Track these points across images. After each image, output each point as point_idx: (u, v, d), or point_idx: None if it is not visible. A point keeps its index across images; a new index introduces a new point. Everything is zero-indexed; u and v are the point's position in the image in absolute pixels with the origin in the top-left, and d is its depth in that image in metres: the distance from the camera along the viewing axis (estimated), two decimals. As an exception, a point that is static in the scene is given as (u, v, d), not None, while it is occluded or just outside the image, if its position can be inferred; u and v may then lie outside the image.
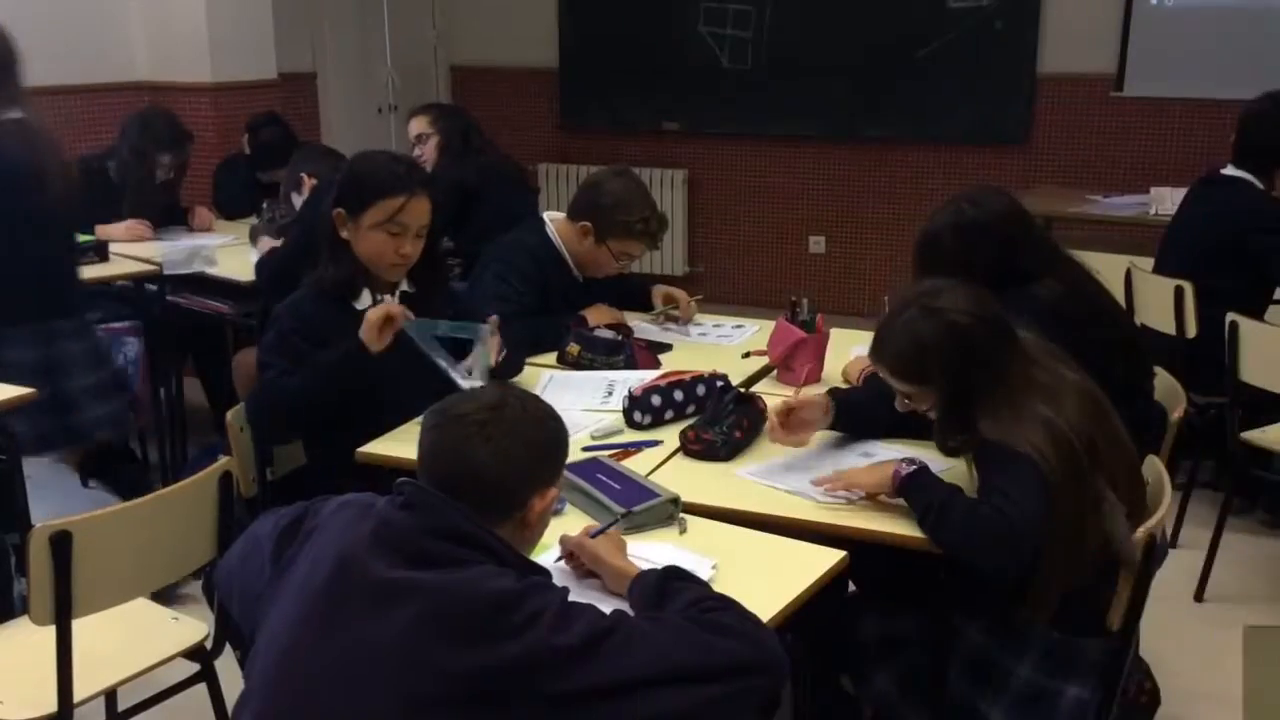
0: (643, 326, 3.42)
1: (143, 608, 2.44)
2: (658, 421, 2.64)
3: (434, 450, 1.64)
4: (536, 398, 1.75)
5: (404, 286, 2.77)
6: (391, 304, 2.63)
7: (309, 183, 4.00)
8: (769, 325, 3.10)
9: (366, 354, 2.55)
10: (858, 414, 2.48)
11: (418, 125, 4.57)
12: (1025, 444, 2.04)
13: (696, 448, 2.46)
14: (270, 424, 2.63)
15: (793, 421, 2.40)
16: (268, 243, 4.11)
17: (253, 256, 4.10)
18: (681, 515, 2.15)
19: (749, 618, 1.65)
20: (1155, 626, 3.01)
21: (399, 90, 6.75)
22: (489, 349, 2.66)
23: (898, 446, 2.44)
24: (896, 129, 6.33)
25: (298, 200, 4.09)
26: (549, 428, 1.70)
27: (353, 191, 2.66)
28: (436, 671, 1.46)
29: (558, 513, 2.10)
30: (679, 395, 2.66)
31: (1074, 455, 2.04)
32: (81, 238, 4.07)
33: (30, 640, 2.24)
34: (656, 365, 3.05)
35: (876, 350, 2.22)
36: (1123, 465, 2.14)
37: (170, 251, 4.26)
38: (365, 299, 2.71)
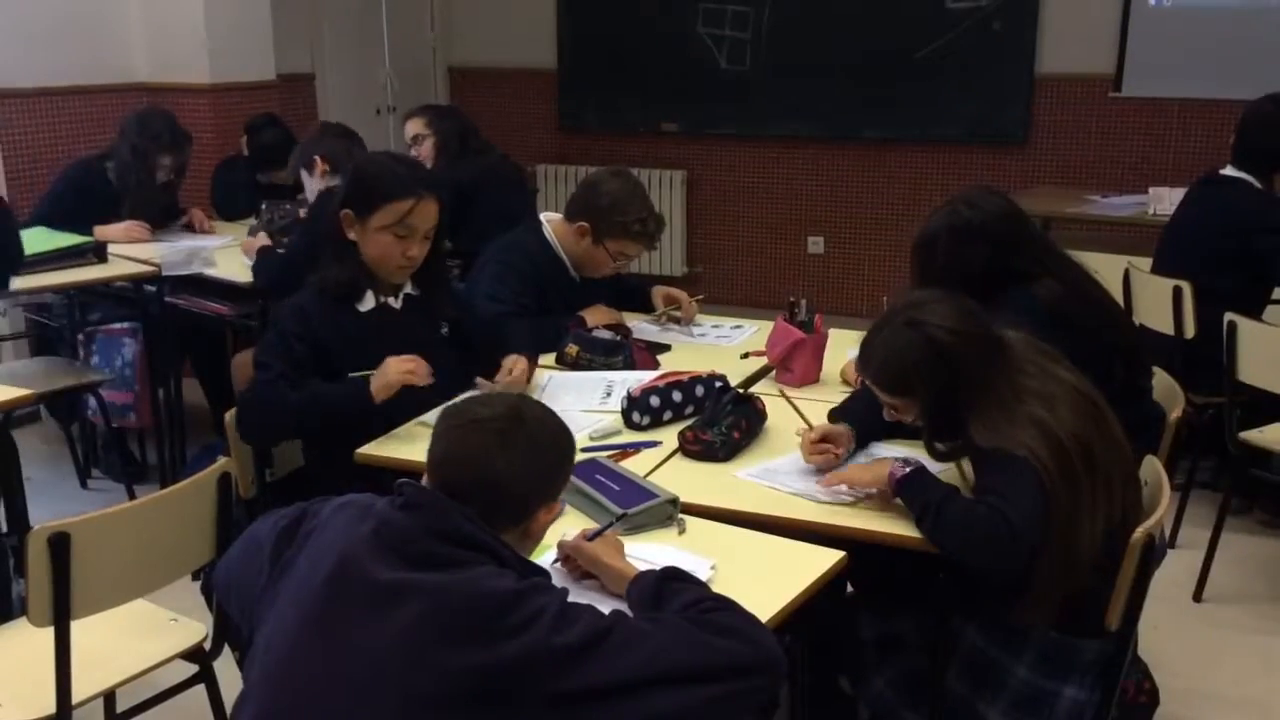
0: (641, 327, 3.42)
1: (141, 609, 2.44)
2: (656, 422, 2.64)
3: (449, 454, 1.64)
4: (549, 409, 1.75)
5: (407, 288, 2.77)
6: (419, 371, 2.57)
7: (321, 165, 3.98)
8: (768, 326, 3.11)
9: (369, 399, 2.54)
10: (858, 425, 2.47)
11: (414, 127, 4.57)
12: (1020, 447, 2.05)
13: (695, 448, 2.46)
14: (258, 429, 2.63)
15: (822, 447, 2.39)
16: (254, 242, 4.10)
17: (245, 260, 4.09)
18: (680, 516, 2.15)
19: (748, 618, 1.65)
20: (1154, 626, 3.03)
21: (397, 91, 6.75)
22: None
23: (899, 446, 2.44)
24: (895, 130, 6.33)
25: (307, 179, 4.06)
26: (563, 442, 1.72)
27: (361, 193, 2.65)
28: (437, 672, 1.46)
29: (558, 516, 2.10)
30: (677, 396, 2.66)
31: (1068, 457, 2.05)
32: (80, 239, 4.08)
33: (29, 642, 2.24)
34: (655, 366, 3.05)
35: (862, 362, 2.25)
36: (1119, 466, 2.14)
37: (169, 252, 4.26)
38: (369, 300, 2.71)
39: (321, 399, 2.58)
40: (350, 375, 2.58)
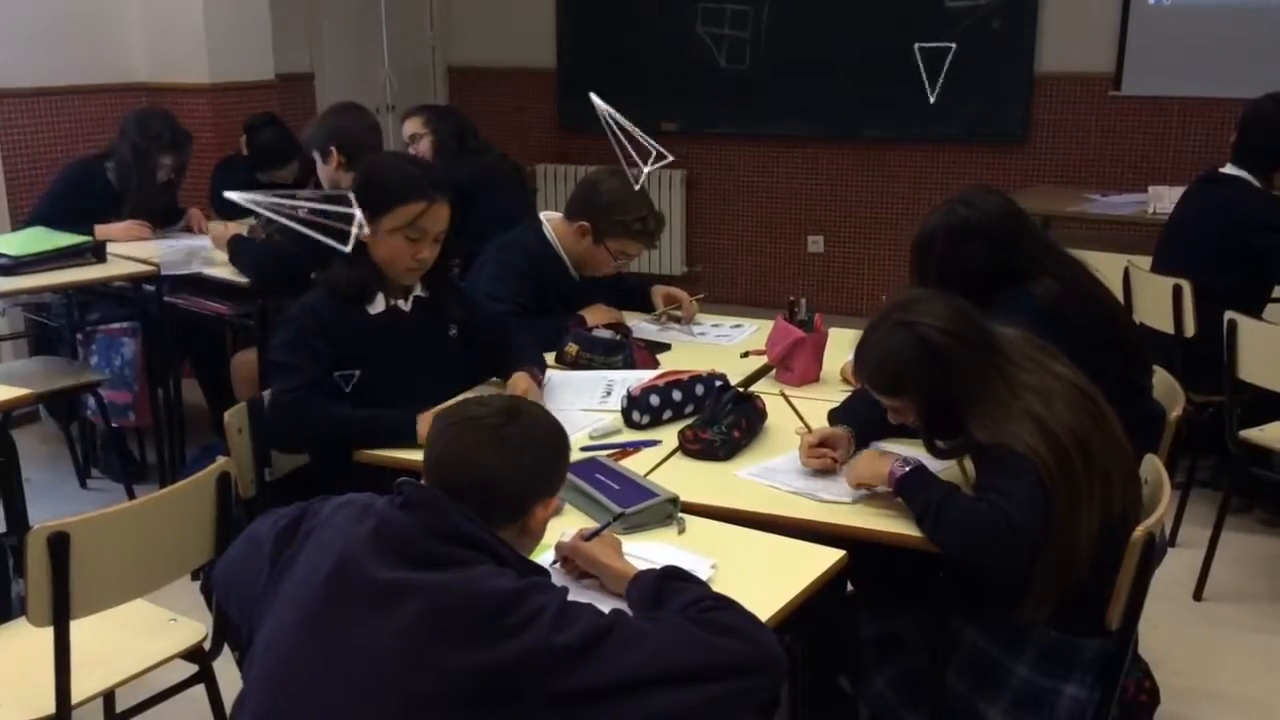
0: (641, 326, 3.42)
1: (141, 609, 2.44)
2: (656, 421, 2.64)
3: (444, 453, 1.65)
4: (545, 409, 1.77)
5: (417, 290, 2.77)
6: None
7: (337, 156, 3.96)
8: (767, 325, 3.11)
9: (414, 436, 2.48)
10: (857, 425, 2.47)
11: (412, 126, 4.56)
12: (1020, 443, 2.05)
13: (695, 447, 2.46)
14: (298, 437, 2.62)
15: (820, 451, 2.38)
16: (223, 232, 4.07)
17: (217, 250, 4.08)
18: (680, 515, 2.15)
19: (748, 617, 1.65)
20: (1154, 625, 3.02)
21: (397, 91, 6.74)
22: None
23: (901, 445, 2.44)
24: (895, 129, 6.33)
25: (321, 165, 4.03)
26: (558, 440, 1.73)
27: (373, 195, 2.64)
28: (436, 671, 1.46)
29: (556, 513, 2.10)
30: (677, 395, 2.66)
31: (1065, 452, 2.05)
32: (79, 238, 4.08)
33: (28, 642, 2.24)
34: (655, 365, 3.05)
35: (858, 365, 2.25)
36: (1118, 463, 2.13)
37: (168, 252, 4.26)
38: (379, 303, 2.70)
39: (371, 423, 2.54)
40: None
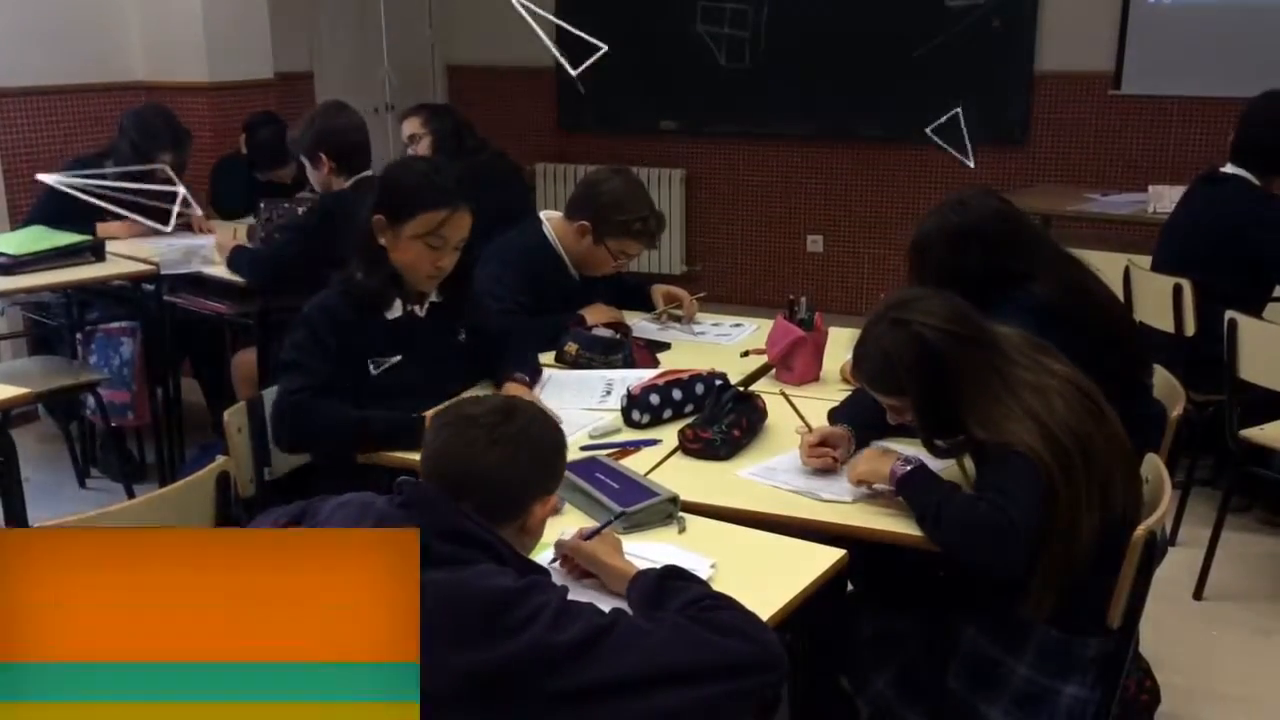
0: (641, 325, 3.42)
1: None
2: (656, 420, 2.64)
3: (441, 451, 1.65)
4: (540, 408, 1.78)
5: (433, 296, 2.76)
6: None
7: (327, 162, 3.95)
8: (767, 324, 3.11)
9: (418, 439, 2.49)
10: (857, 425, 2.46)
11: (410, 126, 4.56)
12: (1019, 442, 2.05)
13: (695, 446, 2.45)
14: (306, 439, 2.60)
15: (820, 450, 2.38)
16: (227, 242, 4.06)
17: (217, 257, 4.09)
18: (680, 514, 2.15)
19: (748, 616, 1.65)
20: (1155, 625, 3.01)
21: (396, 90, 6.74)
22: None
23: (902, 444, 2.44)
24: (894, 128, 6.33)
25: (312, 171, 4.03)
26: (554, 437, 1.73)
27: (396, 200, 2.64)
28: (436, 670, 1.45)
29: (556, 512, 2.09)
30: (677, 394, 2.66)
31: (1065, 451, 2.04)
32: (78, 237, 4.08)
33: (27, 641, 2.24)
34: (655, 364, 3.04)
35: (856, 365, 2.25)
36: (1118, 460, 2.13)
37: (168, 251, 4.25)
38: (396, 308, 2.69)
39: (375, 425, 2.53)
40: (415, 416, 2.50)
